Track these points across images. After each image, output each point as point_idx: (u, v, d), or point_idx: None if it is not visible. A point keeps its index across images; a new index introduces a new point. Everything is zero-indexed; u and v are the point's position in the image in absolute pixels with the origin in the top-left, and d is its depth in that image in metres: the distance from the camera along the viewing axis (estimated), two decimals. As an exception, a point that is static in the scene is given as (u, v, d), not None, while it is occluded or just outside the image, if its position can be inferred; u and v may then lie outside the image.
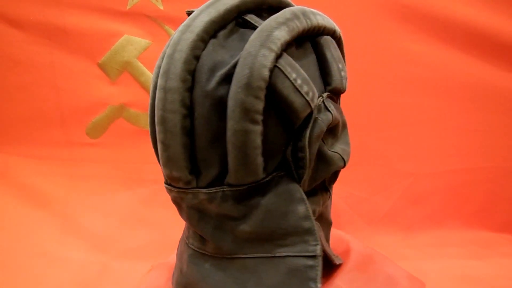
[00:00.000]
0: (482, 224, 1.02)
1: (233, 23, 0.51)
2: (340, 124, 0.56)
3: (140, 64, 1.06)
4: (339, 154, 0.54)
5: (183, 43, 0.48)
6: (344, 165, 0.55)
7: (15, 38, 1.06)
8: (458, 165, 1.04)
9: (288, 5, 0.54)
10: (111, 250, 0.89)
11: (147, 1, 1.03)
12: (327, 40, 0.54)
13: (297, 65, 0.48)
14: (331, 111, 0.52)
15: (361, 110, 1.01)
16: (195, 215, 0.54)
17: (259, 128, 0.47)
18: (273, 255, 0.52)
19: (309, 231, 0.51)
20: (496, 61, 1.00)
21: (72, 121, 1.09)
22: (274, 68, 0.46)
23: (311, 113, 0.49)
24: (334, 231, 0.81)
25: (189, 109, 0.49)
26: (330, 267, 0.66)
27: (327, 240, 0.63)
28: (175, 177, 0.52)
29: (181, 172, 0.51)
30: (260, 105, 0.46)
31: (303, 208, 0.51)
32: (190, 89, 0.49)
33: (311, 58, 0.53)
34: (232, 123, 0.46)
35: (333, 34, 0.55)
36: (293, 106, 0.48)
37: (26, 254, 0.87)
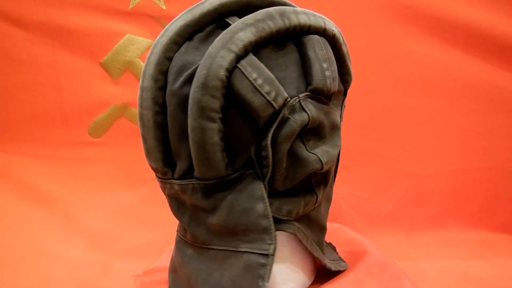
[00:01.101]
0: (484, 225, 1.02)
1: (213, 26, 0.52)
2: (327, 125, 0.55)
3: (142, 64, 1.06)
4: (316, 156, 0.53)
5: (158, 46, 0.52)
6: (322, 168, 0.54)
7: (18, 38, 1.06)
8: (459, 166, 1.04)
9: (283, 5, 0.55)
10: (112, 249, 0.89)
11: (149, 1, 1.03)
12: (312, 39, 0.53)
13: (261, 66, 0.49)
14: (308, 112, 0.51)
15: (363, 110, 1.01)
16: (174, 204, 0.58)
17: (216, 126, 0.49)
18: (236, 250, 0.54)
19: (266, 230, 0.51)
20: (498, 62, 1.00)
21: (74, 120, 1.09)
22: (234, 69, 0.48)
23: (276, 113, 0.50)
24: (351, 233, 0.81)
25: (162, 106, 0.52)
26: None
27: (320, 244, 0.63)
28: (154, 168, 0.56)
29: (157, 164, 0.55)
30: (216, 104, 0.48)
31: (262, 206, 0.52)
32: (163, 88, 0.52)
33: (292, 58, 0.53)
34: (190, 121, 0.49)
35: (324, 33, 0.55)
36: (252, 106, 0.49)
37: (28, 253, 0.87)
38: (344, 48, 0.58)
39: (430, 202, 1.05)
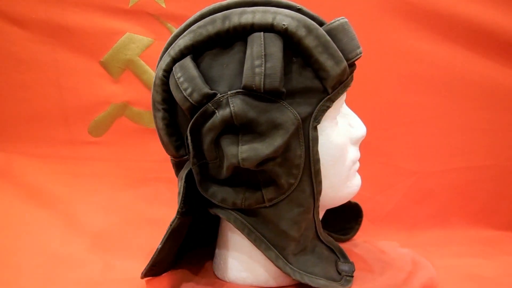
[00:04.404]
0: (486, 223, 1.01)
1: None
2: (263, 123, 0.56)
3: (142, 62, 1.06)
4: (237, 151, 0.57)
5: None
6: (239, 164, 0.57)
7: (18, 37, 1.06)
8: (462, 164, 1.04)
9: (265, 5, 0.59)
10: (113, 249, 0.89)
11: (149, -1, 1.03)
12: (253, 37, 0.56)
13: (189, 66, 0.57)
14: (231, 108, 0.55)
15: (365, 108, 1.00)
16: (176, 174, 0.70)
17: (160, 114, 0.62)
18: None
19: (178, 204, 0.62)
20: (500, 59, 0.99)
21: (74, 119, 1.09)
22: (172, 69, 0.59)
23: (196, 107, 0.57)
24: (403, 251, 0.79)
25: None
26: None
27: (279, 248, 0.63)
28: None
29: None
30: (159, 97, 0.61)
31: (180, 184, 0.62)
32: None
33: (236, 57, 0.57)
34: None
35: (271, 29, 0.56)
36: (176, 100, 0.59)
37: (28, 252, 0.86)
38: (309, 41, 0.56)
39: (432, 200, 1.04)
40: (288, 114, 0.57)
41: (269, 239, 0.62)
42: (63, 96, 1.08)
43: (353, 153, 0.67)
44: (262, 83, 0.55)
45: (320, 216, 0.71)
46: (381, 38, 1.00)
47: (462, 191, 1.04)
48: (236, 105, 0.55)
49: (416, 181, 1.04)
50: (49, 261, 0.84)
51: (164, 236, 0.63)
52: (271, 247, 0.62)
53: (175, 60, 0.59)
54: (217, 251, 0.72)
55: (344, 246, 0.82)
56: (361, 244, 0.74)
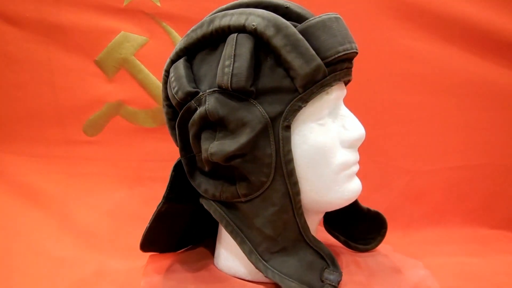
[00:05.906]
0: (481, 221, 1.02)
1: None
2: (232, 120, 0.58)
3: (137, 61, 1.06)
4: (208, 145, 0.61)
5: None
6: (208, 158, 0.61)
7: (12, 36, 1.05)
8: (457, 162, 1.04)
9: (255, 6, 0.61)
10: (108, 249, 0.89)
11: (144, -2, 1.03)
12: (229, 38, 0.58)
13: (180, 67, 0.62)
14: (206, 105, 0.59)
15: (360, 107, 1.00)
16: None
17: (165, 109, 0.69)
18: None
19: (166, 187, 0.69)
20: (495, 58, 1.00)
21: (69, 118, 1.09)
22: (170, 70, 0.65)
23: (182, 103, 0.62)
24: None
25: None
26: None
27: (255, 244, 0.63)
28: None
29: None
30: (163, 95, 0.68)
31: (171, 173, 0.69)
32: None
33: (218, 58, 0.60)
34: None
35: (243, 30, 0.58)
36: (169, 96, 0.65)
37: (23, 253, 0.86)
38: (277, 40, 0.56)
39: (428, 199, 1.04)
40: (256, 113, 0.58)
41: (245, 233, 0.64)
42: (57, 95, 1.08)
43: (345, 157, 0.63)
44: (229, 82, 0.57)
45: (316, 220, 0.70)
46: (376, 37, 1.00)
47: (457, 189, 1.04)
48: (210, 103, 0.59)
49: (411, 179, 1.04)
50: (43, 260, 0.84)
51: (151, 218, 0.70)
52: (246, 241, 0.63)
53: (173, 62, 0.65)
54: (216, 239, 0.75)
55: (354, 255, 0.80)
56: (372, 256, 0.73)
